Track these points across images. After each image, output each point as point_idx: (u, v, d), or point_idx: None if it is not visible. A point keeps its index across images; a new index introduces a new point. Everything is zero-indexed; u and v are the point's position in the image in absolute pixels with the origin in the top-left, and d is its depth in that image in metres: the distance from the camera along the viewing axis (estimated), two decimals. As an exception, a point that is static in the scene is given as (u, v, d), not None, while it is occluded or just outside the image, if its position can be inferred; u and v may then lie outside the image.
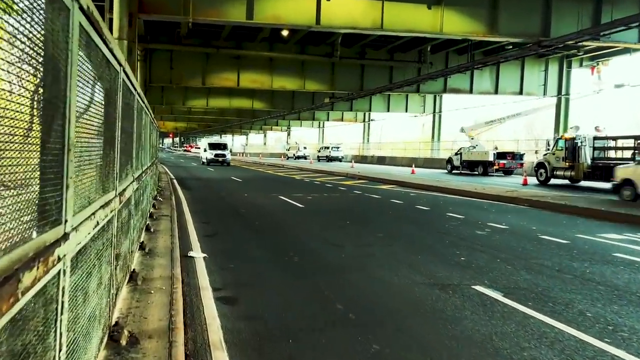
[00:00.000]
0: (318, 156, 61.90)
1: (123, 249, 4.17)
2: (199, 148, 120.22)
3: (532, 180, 25.68)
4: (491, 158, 32.64)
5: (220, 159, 38.83)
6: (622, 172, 15.78)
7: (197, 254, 7.20)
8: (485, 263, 7.09)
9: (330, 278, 6.14)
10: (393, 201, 15.54)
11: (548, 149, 26.19)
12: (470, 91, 32.37)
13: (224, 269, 6.48)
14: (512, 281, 6.14)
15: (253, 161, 55.23)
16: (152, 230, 8.12)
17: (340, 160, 58.22)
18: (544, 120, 58.60)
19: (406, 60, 29.98)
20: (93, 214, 2.35)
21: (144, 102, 7.11)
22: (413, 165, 35.66)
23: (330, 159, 58.89)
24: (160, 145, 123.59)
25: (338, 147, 61.44)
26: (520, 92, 32.69)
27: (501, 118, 36.90)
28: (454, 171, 35.91)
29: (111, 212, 3.12)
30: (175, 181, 22.62)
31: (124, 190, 3.95)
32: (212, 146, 40.91)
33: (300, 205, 13.96)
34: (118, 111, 3.39)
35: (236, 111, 55.83)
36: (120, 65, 3.38)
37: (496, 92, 32.55)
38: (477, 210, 13.62)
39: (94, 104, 2.55)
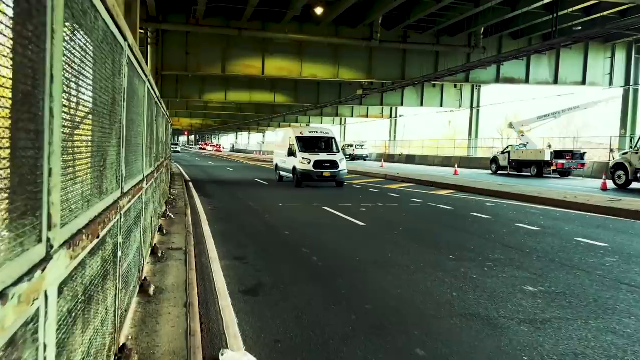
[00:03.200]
0: (341, 155, 58.09)
1: None
2: (213, 146, 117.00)
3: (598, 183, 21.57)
4: (547, 157, 28.56)
5: (327, 171, 18.37)
6: None
7: (236, 355, 3.56)
8: None
9: None
10: (476, 215, 11.75)
11: (630, 147, 22.14)
12: (526, 81, 28.29)
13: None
14: None
15: (272, 159, 51.77)
16: (151, 291, 4.49)
17: (365, 159, 54.47)
18: (588, 116, 54.06)
19: (454, 45, 26.06)
20: None
21: (137, 59, 3.51)
22: (456, 166, 31.73)
23: (353, 157, 55.19)
24: (183, 145, 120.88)
25: (362, 145, 57.73)
26: (583, 82, 28.53)
27: (556, 112, 32.74)
28: (499, 172, 32.00)
29: None
30: (191, 184, 19.13)
31: None
32: (307, 143, 19.20)
33: (360, 223, 10.27)
34: None
35: (255, 106, 52.37)
36: None
37: (555, 82, 28.43)
38: (608, 232, 9.77)
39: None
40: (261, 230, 9.39)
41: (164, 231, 7.60)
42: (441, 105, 41.91)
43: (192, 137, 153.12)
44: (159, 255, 5.99)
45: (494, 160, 33.28)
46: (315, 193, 17.29)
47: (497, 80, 28.18)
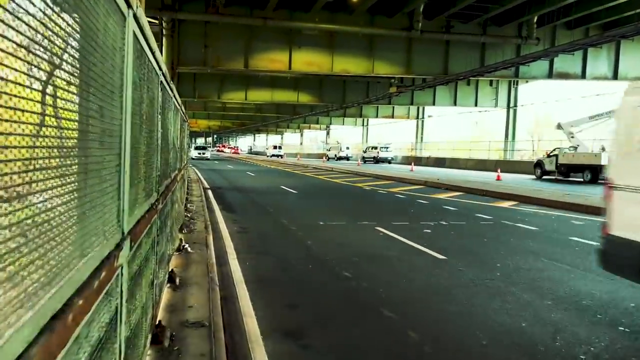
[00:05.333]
0: (363, 157, 55.65)
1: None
2: (231, 148, 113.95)
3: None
4: (604, 162, 25.56)
5: None
6: None
7: None
8: None
9: None
10: (583, 242, 9.03)
11: None
12: (583, 76, 25.33)
13: None
14: None
15: (293, 163, 49.32)
16: None
17: (390, 162, 51.75)
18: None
19: (503, 36, 23.28)
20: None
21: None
22: (499, 171, 28.84)
23: (378, 160, 52.52)
24: (204, 147, 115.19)
25: (387, 147, 54.97)
26: (645, 77, 25.53)
27: (610, 111, 29.61)
28: (544, 177, 29.07)
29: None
30: (210, 193, 16.72)
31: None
32: None
33: (437, 255, 7.66)
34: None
35: (276, 107, 50.00)
36: None
37: (615, 77, 25.42)
38: None
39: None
40: (310, 270, 6.81)
41: (177, 281, 5.10)
42: (475, 105, 39.00)
43: (209, 139, 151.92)
44: (166, 344, 3.48)
45: (539, 164, 30.35)
46: (355, 206, 14.73)
47: (550, 75, 25.24)
